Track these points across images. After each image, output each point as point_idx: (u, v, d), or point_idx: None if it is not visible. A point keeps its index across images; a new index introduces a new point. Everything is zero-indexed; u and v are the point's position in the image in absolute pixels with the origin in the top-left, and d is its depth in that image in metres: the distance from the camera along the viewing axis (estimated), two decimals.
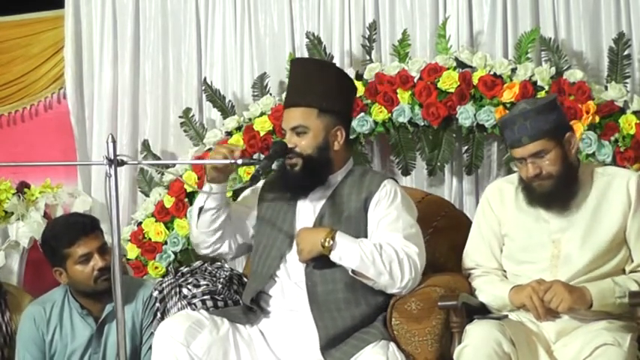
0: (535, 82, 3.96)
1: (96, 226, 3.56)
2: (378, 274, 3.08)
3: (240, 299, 3.41)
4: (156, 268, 4.41)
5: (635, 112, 3.87)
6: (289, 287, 3.21)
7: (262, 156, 4.05)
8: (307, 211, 3.27)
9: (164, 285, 3.56)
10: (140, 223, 4.45)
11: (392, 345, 3.08)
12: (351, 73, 4.19)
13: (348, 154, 3.36)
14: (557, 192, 3.13)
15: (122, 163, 2.89)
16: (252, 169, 3.87)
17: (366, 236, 3.19)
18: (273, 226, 3.29)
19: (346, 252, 3.08)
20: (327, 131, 3.23)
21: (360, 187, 3.24)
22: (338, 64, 4.30)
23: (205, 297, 3.45)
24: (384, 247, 3.10)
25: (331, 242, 3.08)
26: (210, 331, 3.11)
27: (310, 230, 3.19)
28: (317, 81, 3.28)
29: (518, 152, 3.12)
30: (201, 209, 3.32)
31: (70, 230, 3.51)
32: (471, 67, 4.06)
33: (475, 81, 4.02)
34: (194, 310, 3.32)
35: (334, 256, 3.09)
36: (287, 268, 3.23)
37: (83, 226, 3.52)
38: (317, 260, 3.14)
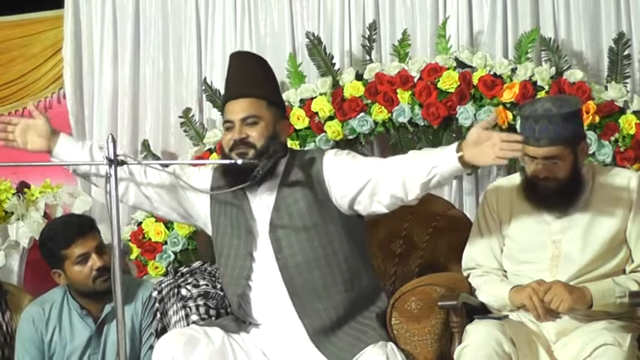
0: (535, 82, 3.96)
1: (92, 226, 3.56)
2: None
3: None
4: (156, 268, 4.41)
5: (635, 112, 3.87)
6: (267, 286, 3.15)
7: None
8: (260, 207, 3.20)
9: (163, 285, 3.56)
10: (140, 223, 4.45)
11: (390, 344, 3.07)
12: (351, 73, 4.21)
13: (287, 147, 3.31)
14: (559, 196, 3.13)
15: (122, 163, 2.89)
16: None
17: (342, 205, 3.14)
18: (232, 228, 3.23)
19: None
20: (275, 123, 3.20)
21: (305, 170, 3.18)
22: (338, 64, 4.31)
23: (199, 302, 3.44)
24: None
25: None
26: (206, 345, 3.08)
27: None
28: (263, 74, 3.26)
29: (531, 150, 3.10)
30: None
31: (66, 231, 3.51)
32: (471, 67, 4.06)
33: (475, 81, 4.01)
34: (188, 313, 3.32)
35: None
36: (258, 266, 3.17)
37: (79, 226, 3.52)
38: (287, 249, 3.11)
